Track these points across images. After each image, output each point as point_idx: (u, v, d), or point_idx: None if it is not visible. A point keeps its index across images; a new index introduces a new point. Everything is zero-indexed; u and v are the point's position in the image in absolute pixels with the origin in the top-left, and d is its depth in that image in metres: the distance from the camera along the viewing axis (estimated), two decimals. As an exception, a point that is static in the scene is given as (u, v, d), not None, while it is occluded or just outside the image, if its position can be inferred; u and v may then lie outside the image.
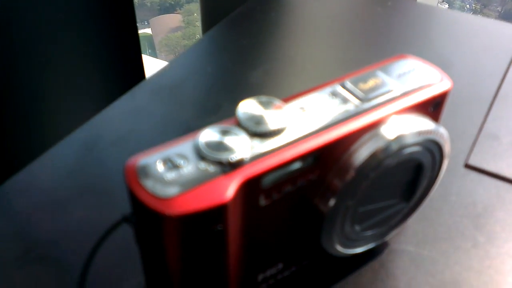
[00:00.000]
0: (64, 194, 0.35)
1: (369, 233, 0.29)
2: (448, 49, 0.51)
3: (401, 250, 0.31)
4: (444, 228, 0.33)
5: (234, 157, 0.21)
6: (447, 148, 0.28)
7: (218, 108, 0.41)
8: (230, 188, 0.21)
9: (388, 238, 0.30)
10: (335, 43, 0.52)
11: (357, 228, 0.28)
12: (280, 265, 0.28)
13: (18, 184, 0.35)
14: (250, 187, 0.22)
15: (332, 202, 0.25)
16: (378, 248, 0.31)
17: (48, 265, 0.30)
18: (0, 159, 0.48)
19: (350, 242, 0.28)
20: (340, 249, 0.28)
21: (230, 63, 0.48)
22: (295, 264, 0.28)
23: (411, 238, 0.32)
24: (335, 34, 0.54)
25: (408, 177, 0.28)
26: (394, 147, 0.25)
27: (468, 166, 0.37)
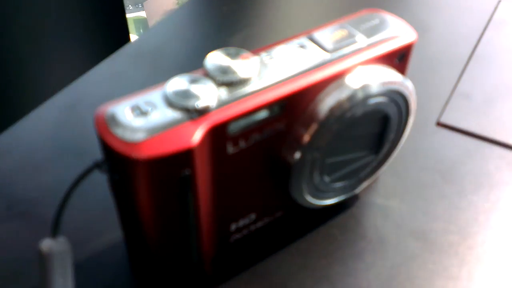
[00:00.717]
0: (45, 155, 0.35)
1: (339, 185, 0.30)
2: (426, 12, 0.51)
3: (371, 202, 0.32)
4: (413, 182, 0.34)
5: (200, 103, 0.22)
6: (412, 100, 0.29)
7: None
8: (196, 133, 0.22)
9: (358, 191, 0.31)
10: (315, 7, 0.53)
11: (326, 179, 0.29)
12: (253, 216, 0.29)
13: (0, 146, 0.36)
14: (217, 133, 0.23)
15: (298, 153, 0.26)
16: (349, 200, 0.32)
17: (28, 220, 0.31)
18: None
19: (320, 193, 0.29)
20: (310, 200, 0.29)
21: (211, 29, 0.49)
22: (268, 215, 0.29)
23: (381, 191, 0.33)
24: None
25: (375, 129, 0.29)
26: (359, 96, 0.26)
27: (439, 124, 0.38)
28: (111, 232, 0.30)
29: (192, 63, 0.44)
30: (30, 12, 0.50)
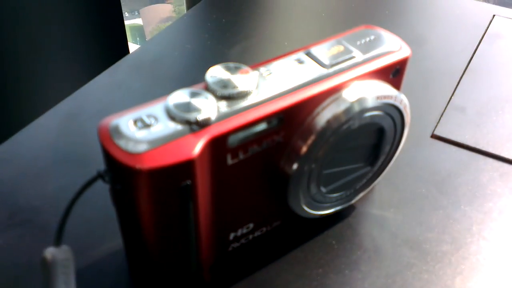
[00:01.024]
0: (46, 163, 0.36)
1: (335, 195, 0.30)
2: (422, 27, 0.52)
3: (367, 212, 0.33)
4: (408, 193, 0.34)
5: (201, 116, 0.23)
6: (407, 114, 0.29)
7: (196, 83, 0.43)
8: (197, 145, 0.23)
9: (354, 201, 0.32)
10: (313, 20, 0.54)
11: (323, 190, 0.29)
12: (251, 225, 0.29)
13: (1, 154, 0.37)
14: (217, 145, 0.23)
15: (296, 164, 0.27)
16: (345, 210, 0.33)
17: (30, 228, 0.31)
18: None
19: (317, 203, 0.30)
20: (307, 210, 0.30)
21: (210, 41, 0.50)
22: (266, 225, 0.30)
23: (377, 202, 0.34)
24: (313, 12, 0.55)
25: (371, 142, 0.30)
26: (355, 109, 0.26)
27: (434, 136, 0.39)
28: (111, 240, 0.30)
29: (191, 74, 0.45)
30: (32, 23, 0.51)
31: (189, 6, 0.77)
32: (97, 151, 0.24)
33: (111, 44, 0.61)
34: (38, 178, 0.35)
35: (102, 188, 0.25)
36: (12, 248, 0.30)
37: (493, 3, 0.56)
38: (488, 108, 0.42)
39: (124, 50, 0.63)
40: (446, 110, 0.41)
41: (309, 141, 0.26)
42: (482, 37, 0.51)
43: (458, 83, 0.45)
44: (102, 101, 0.42)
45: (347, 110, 0.26)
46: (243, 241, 0.30)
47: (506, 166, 0.36)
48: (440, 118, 0.41)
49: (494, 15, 0.54)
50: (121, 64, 0.46)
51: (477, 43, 0.50)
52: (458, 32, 0.52)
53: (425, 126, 0.40)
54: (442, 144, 0.38)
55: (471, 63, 0.47)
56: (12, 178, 0.35)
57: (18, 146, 0.37)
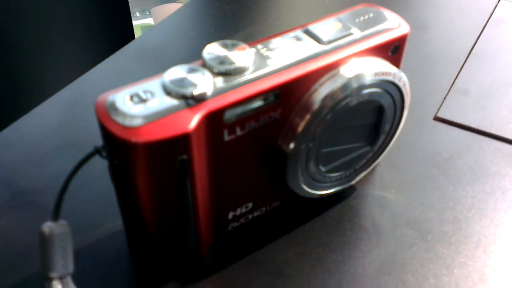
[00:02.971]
0: (49, 148, 0.36)
1: (335, 175, 0.30)
2: (427, 11, 0.52)
3: (368, 193, 0.33)
4: (410, 174, 0.34)
5: (197, 91, 0.23)
6: (407, 92, 0.29)
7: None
8: (193, 119, 0.23)
9: (355, 182, 0.32)
10: (317, 6, 0.54)
11: (322, 169, 0.29)
12: (250, 205, 0.29)
13: (5, 139, 0.37)
14: (213, 120, 0.24)
15: (294, 141, 0.27)
16: (346, 192, 0.32)
17: (32, 209, 0.32)
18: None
19: (317, 183, 0.30)
20: (307, 189, 0.30)
21: (213, 28, 0.50)
22: (265, 205, 0.30)
23: (378, 183, 0.33)
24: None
25: (370, 120, 0.30)
26: (353, 85, 0.26)
27: (437, 119, 0.39)
28: (112, 221, 0.30)
29: (193, 61, 0.45)
30: (36, 10, 0.51)
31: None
32: (99, 137, 0.24)
33: (117, 32, 0.62)
34: (40, 162, 0.35)
35: (103, 171, 0.25)
36: (15, 228, 0.31)
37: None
38: (492, 91, 0.41)
39: (130, 38, 0.64)
40: (449, 93, 0.41)
41: (306, 119, 0.26)
42: (487, 21, 0.50)
43: (462, 66, 0.44)
44: (104, 88, 0.41)
45: (345, 86, 0.26)
46: (242, 220, 0.30)
47: (509, 147, 0.36)
48: (443, 100, 0.40)
49: (499, 0, 0.54)
50: (124, 51, 0.46)
51: (482, 28, 0.49)
52: (462, 17, 0.51)
53: (428, 108, 0.40)
54: (445, 126, 0.38)
55: (475, 47, 0.47)
56: (14, 162, 0.35)
57: (20, 132, 0.38)
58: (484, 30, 0.49)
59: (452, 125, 0.38)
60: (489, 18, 0.51)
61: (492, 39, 0.48)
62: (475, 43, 0.47)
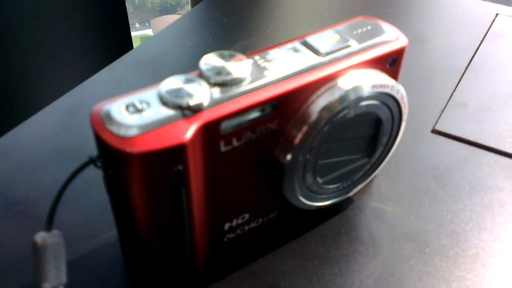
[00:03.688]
0: (43, 158, 0.36)
1: (332, 187, 0.30)
2: (426, 25, 0.52)
3: (365, 205, 0.33)
4: (408, 186, 0.34)
5: (193, 101, 0.23)
6: (404, 105, 0.29)
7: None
8: (189, 130, 0.22)
9: (352, 194, 0.32)
10: (315, 19, 0.54)
11: (319, 180, 0.29)
12: (247, 216, 0.29)
13: (0, 148, 0.37)
14: (210, 131, 0.23)
15: (291, 153, 0.26)
16: (343, 204, 0.32)
17: (26, 219, 0.31)
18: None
19: (314, 194, 0.30)
20: (304, 200, 0.29)
21: (211, 39, 0.50)
22: (262, 216, 0.30)
23: (375, 195, 0.33)
24: (314, 11, 0.55)
25: (368, 133, 0.29)
26: (351, 97, 0.26)
27: (435, 131, 0.39)
28: (106, 232, 0.30)
29: (190, 71, 0.45)
30: (34, 19, 0.51)
31: (193, 6, 0.77)
32: (95, 147, 0.24)
33: (115, 42, 0.62)
34: (35, 171, 0.35)
35: (99, 182, 0.25)
36: (8, 238, 0.30)
37: (497, 2, 0.56)
38: (490, 104, 0.41)
39: (128, 46, 0.64)
40: (447, 106, 0.41)
41: (304, 130, 0.26)
42: (485, 35, 0.51)
43: (460, 80, 0.44)
44: (101, 97, 0.41)
45: (342, 98, 0.26)
46: (238, 232, 0.29)
47: (507, 160, 0.36)
48: (441, 113, 0.40)
49: (497, 14, 0.54)
50: (122, 61, 0.46)
51: (480, 41, 0.50)
52: (461, 31, 0.52)
53: (426, 121, 0.39)
54: (443, 139, 0.38)
55: (473, 60, 0.47)
56: (9, 171, 0.35)
57: (16, 141, 0.37)
58: (482, 43, 0.49)
59: (450, 138, 0.38)
60: (487, 32, 0.51)
61: (490, 52, 0.48)
62: (473, 57, 0.47)
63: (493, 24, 0.52)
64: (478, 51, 0.48)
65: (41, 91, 0.54)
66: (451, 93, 0.43)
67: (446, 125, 0.39)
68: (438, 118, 0.40)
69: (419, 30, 0.51)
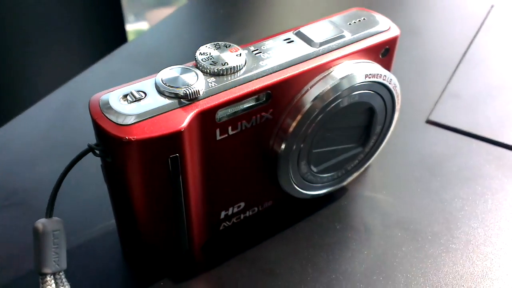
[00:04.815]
0: (41, 149, 0.36)
1: (327, 176, 0.31)
2: (421, 17, 0.53)
3: (359, 194, 0.33)
4: (401, 176, 0.34)
5: (189, 90, 0.23)
6: (397, 94, 0.30)
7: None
8: (185, 118, 0.23)
9: (346, 183, 0.32)
10: (310, 11, 0.54)
11: (314, 169, 0.30)
12: (242, 204, 0.29)
13: (-1, 139, 0.37)
14: (206, 119, 0.24)
15: (285, 141, 0.27)
16: (337, 193, 0.33)
17: (25, 209, 0.32)
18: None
19: (308, 183, 0.30)
20: (298, 189, 0.30)
21: (207, 31, 0.50)
22: (257, 205, 0.30)
23: (369, 184, 0.34)
24: (308, 2, 0.56)
25: (361, 122, 0.30)
26: (344, 87, 0.27)
27: (429, 122, 0.39)
28: (105, 221, 0.31)
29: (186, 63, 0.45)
30: (29, 13, 0.52)
31: None
32: (92, 138, 0.24)
33: (109, 34, 0.62)
34: (33, 163, 0.35)
35: (97, 171, 0.26)
36: (7, 227, 0.31)
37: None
38: (484, 95, 0.42)
39: (122, 39, 0.64)
40: (441, 97, 0.42)
41: (298, 119, 0.26)
42: (480, 27, 0.51)
43: (455, 71, 0.45)
44: (97, 90, 0.41)
45: (335, 87, 0.26)
46: (234, 220, 0.30)
47: (500, 149, 0.36)
48: (435, 104, 0.41)
49: (492, 6, 0.54)
50: (117, 54, 0.46)
51: (475, 33, 0.50)
52: (456, 22, 0.52)
53: (420, 112, 0.40)
54: (437, 129, 0.38)
55: (468, 52, 0.47)
56: (7, 162, 0.35)
57: (13, 133, 0.38)
58: (477, 35, 0.50)
59: (443, 128, 0.39)
60: (482, 24, 0.51)
61: (485, 44, 0.48)
62: (467, 48, 0.48)
63: (488, 16, 0.53)
64: (473, 42, 0.49)
65: (37, 84, 0.54)
66: (445, 84, 0.43)
67: (440, 115, 0.40)
68: (433, 109, 0.40)
69: (415, 22, 0.52)
